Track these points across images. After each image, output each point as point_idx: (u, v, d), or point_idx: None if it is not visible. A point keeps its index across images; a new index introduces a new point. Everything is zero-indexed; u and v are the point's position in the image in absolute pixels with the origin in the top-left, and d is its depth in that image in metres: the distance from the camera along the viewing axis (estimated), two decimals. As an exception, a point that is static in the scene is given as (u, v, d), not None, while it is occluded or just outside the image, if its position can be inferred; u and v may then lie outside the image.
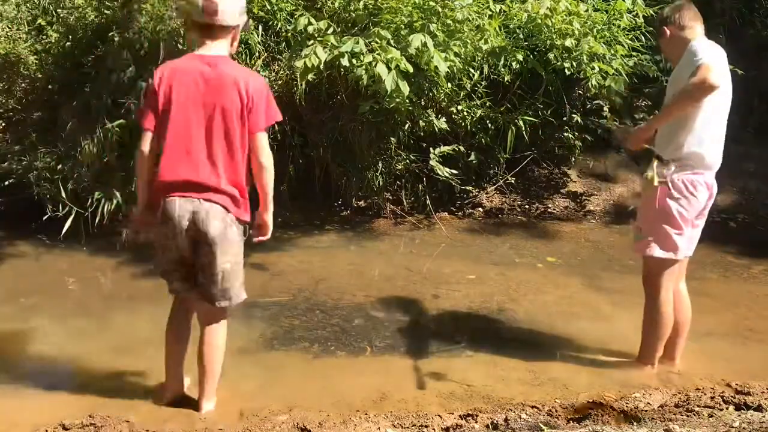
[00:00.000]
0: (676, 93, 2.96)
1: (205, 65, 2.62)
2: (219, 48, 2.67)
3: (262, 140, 2.78)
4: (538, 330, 3.84)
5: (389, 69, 4.55)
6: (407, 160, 6.05)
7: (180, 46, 5.36)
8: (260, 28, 5.85)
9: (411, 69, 4.63)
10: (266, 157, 2.86)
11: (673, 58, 3.22)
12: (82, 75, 5.53)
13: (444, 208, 6.13)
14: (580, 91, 6.28)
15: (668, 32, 3.12)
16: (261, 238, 3.01)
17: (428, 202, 5.87)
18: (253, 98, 2.64)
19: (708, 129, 3.01)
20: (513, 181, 6.38)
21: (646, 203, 3.19)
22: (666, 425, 2.44)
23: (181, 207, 2.64)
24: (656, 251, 3.10)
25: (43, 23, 5.64)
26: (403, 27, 5.03)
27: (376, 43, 4.71)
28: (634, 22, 5.69)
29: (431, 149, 5.92)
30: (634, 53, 5.73)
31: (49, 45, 5.61)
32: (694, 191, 3.03)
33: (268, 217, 3.01)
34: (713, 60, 2.86)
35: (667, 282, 3.16)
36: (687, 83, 2.85)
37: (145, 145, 2.68)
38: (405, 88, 4.63)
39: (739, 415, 2.61)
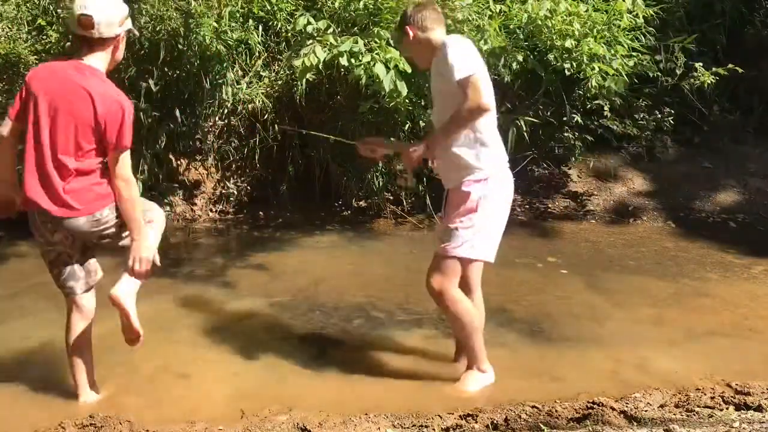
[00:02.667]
0: (446, 104, 2.90)
1: (76, 72, 2.62)
2: (95, 60, 2.65)
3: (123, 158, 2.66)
4: (538, 330, 3.84)
5: (388, 69, 4.55)
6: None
7: (180, 46, 5.37)
8: (260, 28, 5.86)
9: (410, 69, 4.63)
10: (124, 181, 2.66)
11: (418, 59, 3.13)
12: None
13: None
14: (580, 92, 6.28)
15: (411, 33, 2.98)
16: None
17: (428, 202, 5.87)
18: (105, 119, 2.58)
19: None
20: (513, 181, 6.37)
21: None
22: (666, 425, 2.44)
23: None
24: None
25: (43, 23, 5.64)
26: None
27: (375, 42, 4.72)
28: (634, 22, 5.69)
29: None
30: (634, 53, 5.73)
31: (49, 45, 5.61)
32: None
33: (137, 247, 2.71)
34: (477, 69, 2.77)
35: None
36: (461, 106, 2.76)
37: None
38: (403, 89, 4.63)
39: (739, 415, 2.61)
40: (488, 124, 2.92)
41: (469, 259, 2.96)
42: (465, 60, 2.78)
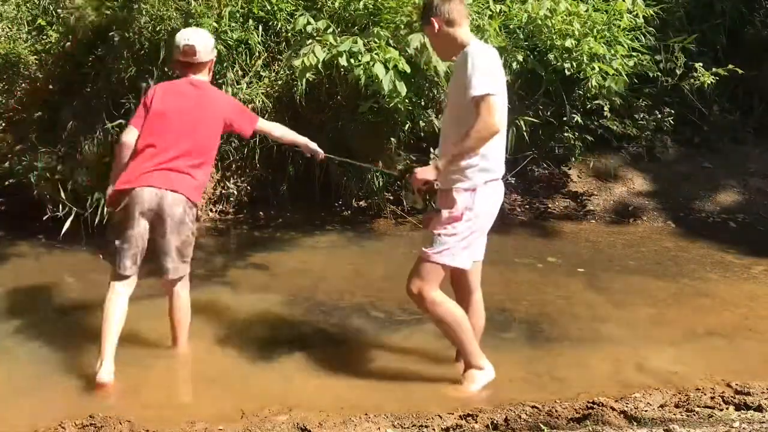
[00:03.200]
0: (454, 111, 2.91)
1: (191, 86, 3.34)
2: (201, 76, 3.38)
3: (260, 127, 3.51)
4: (538, 330, 3.84)
5: (387, 69, 4.55)
6: (407, 160, 6.04)
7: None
8: (260, 28, 5.86)
9: (409, 69, 4.62)
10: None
11: (439, 53, 3.11)
12: (82, 75, 5.53)
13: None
14: (580, 91, 6.28)
15: (436, 25, 2.91)
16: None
17: (433, 204, 5.85)
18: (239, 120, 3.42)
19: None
20: (513, 181, 6.38)
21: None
22: (666, 425, 2.43)
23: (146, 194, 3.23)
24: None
25: (43, 23, 5.64)
26: (402, 27, 5.03)
27: (375, 43, 4.72)
28: (634, 22, 5.69)
29: (431, 149, 5.92)
30: (634, 53, 5.73)
31: (49, 45, 5.61)
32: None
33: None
34: (496, 88, 2.75)
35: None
36: (472, 128, 2.73)
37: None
38: (402, 89, 4.63)
39: (739, 415, 2.61)
40: (495, 139, 2.89)
41: (447, 266, 2.95)
42: (485, 76, 2.74)
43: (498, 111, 2.75)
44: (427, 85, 5.51)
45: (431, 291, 2.94)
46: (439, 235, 2.91)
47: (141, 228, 3.16)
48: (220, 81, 5.67)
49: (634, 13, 5.70)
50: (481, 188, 2.89)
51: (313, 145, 3.60)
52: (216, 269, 4.88)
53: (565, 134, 6.43)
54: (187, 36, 3.31)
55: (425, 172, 2.89)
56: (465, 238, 2.91)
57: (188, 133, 3.22)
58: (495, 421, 2.62)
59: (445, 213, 2.89)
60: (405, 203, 2.93)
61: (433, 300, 2.94)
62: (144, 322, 3.67)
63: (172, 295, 3.34)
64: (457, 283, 3.14)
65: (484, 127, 2.73)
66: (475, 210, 2.90)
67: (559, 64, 5.58)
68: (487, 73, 2.75)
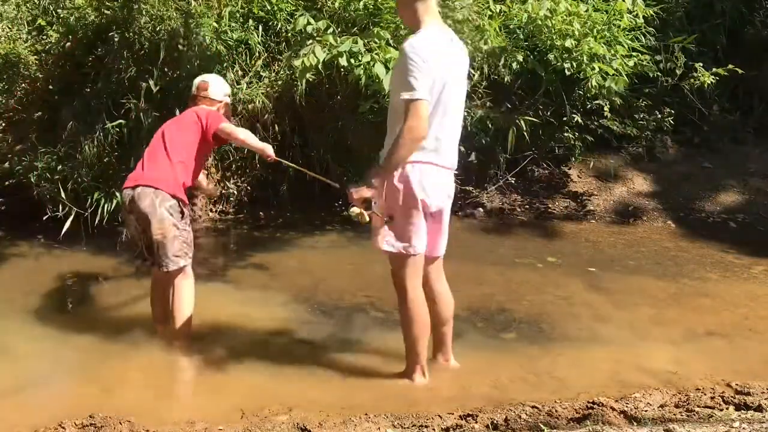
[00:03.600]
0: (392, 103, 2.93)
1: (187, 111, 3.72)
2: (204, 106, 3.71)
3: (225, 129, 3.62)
4: (538, 330, 3.84)
5: (387, 69, 4.55)
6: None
7: (180, 47, 5.36)
8: (260, 28, 5.86)
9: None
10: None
11: (403, 19, 3.14)
12: (82, 75, 5.53)
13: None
14: (580, 92, 6.28)
15: None
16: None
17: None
18: (203, 114, 3.62)
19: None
20: (513, 181, 6.38)
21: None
22: (666, 425, 2.43)
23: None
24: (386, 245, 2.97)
25: (43, 23, 5.64)
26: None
27: (375, 43, 4.72)
28: (634, 22, 5.69)
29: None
30: (634, 53, 5.73)
31: (49, 45, 5.61)
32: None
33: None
34: (424, 90, 2.72)
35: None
36: (398, 135, 2.76)
37: None
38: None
39: (739, 415, 2.61)
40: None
41: (400, 253, 2.95)
42: (414, 78, 2.71)
43: (424, 116, 2.73)
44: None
45: (406, 285, 2.98)
46: (378, 225, 2.95)
47: (131, 227, 3.52)
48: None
49: (634, 13, 5.70)
50: (407, 169, 2.85)
51: (269, 151, 3.75)
52: (216, 269, 4.88)
53: (565, 134, 6.43)
54: (202, 76, 3.85)
55: (361, 192, 2.94)
56: (396, 226, 2.90)
57: (167, 136, 3.56)
58: (495, 421, 2.62)
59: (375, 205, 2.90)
60: (352, 217, 2.95)
61: (405, 296, 2.99)
62: (144, 323, 3.67)
63: (172, 287, 3.49)
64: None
65: (409, 133, 2.74)
66: (402, 191, 2.86)
67: (559, 64, 5.58)
68: (417, 74, 2.72)
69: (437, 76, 2.79)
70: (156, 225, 3.35)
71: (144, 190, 3.38)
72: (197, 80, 3.82)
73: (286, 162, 4.18)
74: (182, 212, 3.46)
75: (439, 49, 2.85)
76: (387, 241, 2.94)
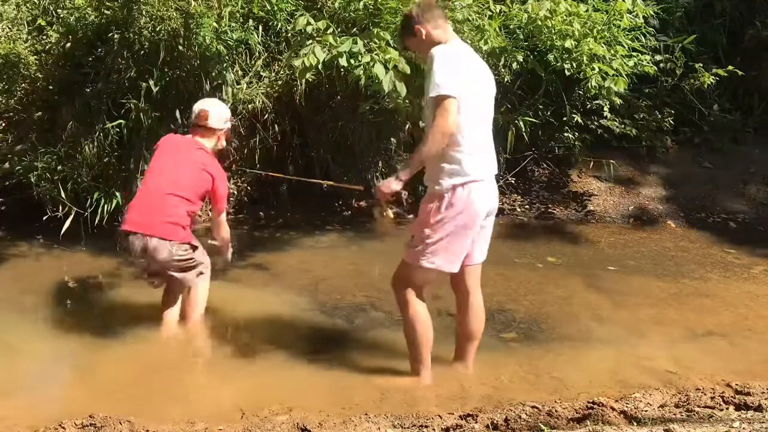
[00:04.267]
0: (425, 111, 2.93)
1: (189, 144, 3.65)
2: (206, 143, 3.66)
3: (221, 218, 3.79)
4: (538, 330, 3.84)
5: (387, 69, 4.55)
6: (407, 160, 6.04)
7: (180, 47, 5.36)
8: (260, 28, 5.85)
9: (408, 70, 4.63)
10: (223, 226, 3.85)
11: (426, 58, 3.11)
12: (82, 75, 5.53)
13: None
14: (580, 92, 6.28)
15: (423, 31, 2.95)
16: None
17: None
18: (214, 179, 3.60)
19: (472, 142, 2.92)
20: (513, 182, 6.38)
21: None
22: (666, 425, 2.43)
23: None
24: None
25: (43, 23, 5.63)
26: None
27: (375, 43, 4.71)
28: (634, 22, 5.69)
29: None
30: (634, 53, 5.73)
31: (49, 45, 5.61)
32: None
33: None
34: (453, 87, 2.74)
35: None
36: (428, 132, 2.77)
37: None
38: (402, 89, 4.62)
39: (739, 415, 2.61)
40: (462, 140, 2.86)
41: (426, 269, 2.96)
42: (442, 77, 2.76)
43: (452, 112, 2.75)
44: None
45: (406, 289, 3.01)
46: (413, 237, 2.95)
47: (140, 265, 3.61)
48: (220, 81, 5.67)
49: (634, 13, 5.70)
50: (450, 192, 2.87)
51: (227, 254, 3.92)
52: (216, 269, 4.87)
53: (565, 134, 6.43)
54: (203, 103, 3.74)
55: (389, 185, 2.92)
56: (437, 242, 2.90)
57: (173, 174, 3.52)
58: (495, 421, 2.62)
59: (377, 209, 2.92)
60: (375, 216, 2.97)
61: (406, 300, 3.02)
62: (144, 323, 3.67)
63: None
64: (454, 284, 3.16)
65: (437, 129, 2.75)
66: (444, 214, 2.88)
67: (559, 64, 5.58)
68: (445, 75, 2.76)
69: (469, 81, 2.85)
70: (175, 267, 3.48)
71: (160, 244, 3.40)
72: (197, 107, 3.71)
73: (304, 179, 4.29)
74: (195, 248, 3.59)
75: (468, 58, 2.94)
76: (418, 255, 2.94)
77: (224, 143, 3.79)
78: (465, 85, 2.81)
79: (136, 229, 3.41)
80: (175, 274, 3.50)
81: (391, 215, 2.89)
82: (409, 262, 2.99)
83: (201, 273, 3.63)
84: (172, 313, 3.65)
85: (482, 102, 2.95)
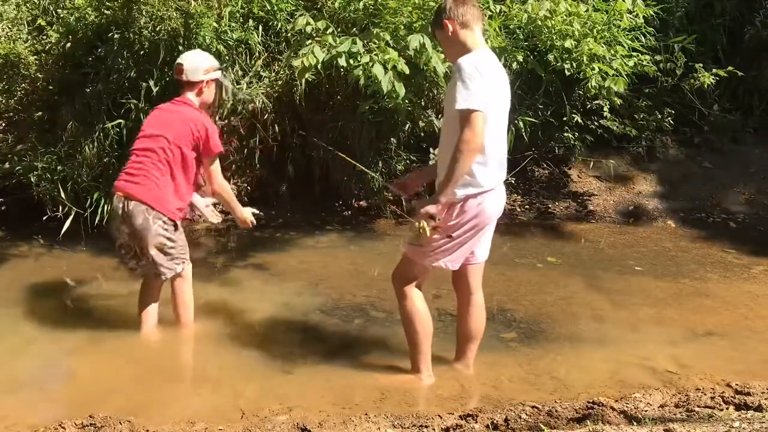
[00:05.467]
0: (446, 121, 2.93)
1: (172, 104, 3.56)
2: (188, 97, 3.54)
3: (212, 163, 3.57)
4: (538, 330, 3.84)
5: (386, 69, 4.55)
6: (407, 160, 6.04)
7: (180, 47, 5.36)
8: (260, 28, 5.86)
9: (408, 70, 4.63)
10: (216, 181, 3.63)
11: (449, 55, 3.04)
12: (82, 75, 5.53)
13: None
14: (580, 92, 6.28)
15: (450, 27, 2.86)
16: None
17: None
18: (201, 132, 3.45)
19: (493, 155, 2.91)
20: (513, 182, 6.37)
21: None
22: (666, 425, 2.43)
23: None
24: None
25: (43, 23, 5.64)
26: (402, 28, 5.03)
27: (374, 43, 4.71)
28: (634, 22, 5.68)
29: (431, 149, 5.91)
30: (634, 53, 5.73)
31: (49, 45, 5.61)
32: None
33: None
34: (479, 101, 2.70)
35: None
36: (456, 146, 2.71)
37: None
38: (401, 90, 4.62)
39: (739, 415, 2.61)
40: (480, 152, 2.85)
41: (430, 266, 2.97)
42: (469, 90, 2.70)
43: (479, 126, 2.71)
44: (426, 85, 5.50)
45: (406, 285, 3.01)
46: (429, 243, 2.92)
47: (123, 236, 3.54)
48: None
49: (634, 13, 5.69)
50: (463, 201, 2.87)
51: (241, 215, 3.92)
52: (216, 269, 4.88)
53: (565, 134, 6.43)
54: (183, 56, 3.60)
55: (429, 211, 2.81)
56: (447, 245, 2.91)
57: (159, 141, 3.43)
58: (495, 421, 2.62)
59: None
60: (410, 235, 2.93)
61: (405, 294, 3.02)
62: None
63: (173, 292, 3.63)
64: (456, 283, 3.16)
65: (468, 145, 2.71)
66: (456, 221, 2.88)
67: (559, 64, 5.57)
68: (473, 87, 2.70)
69: (494, 93, 2.82)
70: (151, 242, 3.39)
71: (136, 208, 3.36)
72: (177, 61, 3.58)
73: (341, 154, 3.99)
74: (175, 225, 3.49)
75: (494, 70, 2.89)
76: (424, 254, 2.94)
77: (212, 95, 3.63)
78: (490, 98, 2.78)
79: (119, 187, 3.43)
80: (151, 252, 3.40)
81: (428, 234, 2.84)
82: (414, 260, 2.98)
83: (178, 274, 3.54)
84: (152, 314, 3.61)
85: (502, 114, 2.93)
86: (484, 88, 2.73)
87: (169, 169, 3.43)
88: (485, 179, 2.88)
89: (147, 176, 3.41)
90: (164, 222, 3.42)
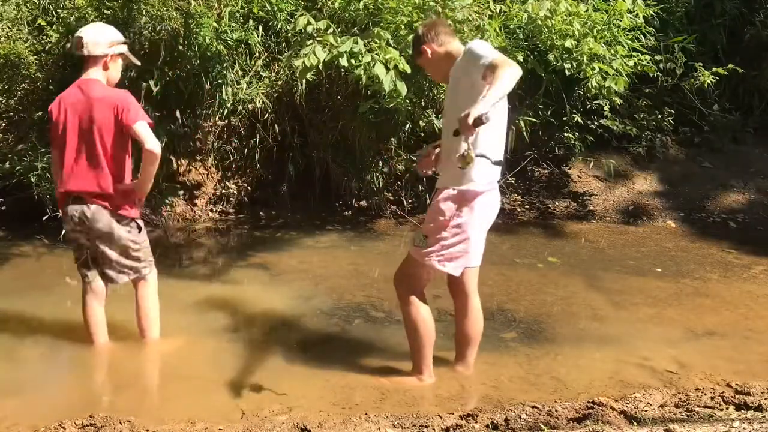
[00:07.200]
0: (461, 104, 2.73)
1: (78, 89, 3.22)
2: (93, 74, 3.24)
3: (142, 129, 3.16)
4: (538, 330, 3.83)
5: (387, 69, 4.55)
6: (407, 160, 6.05)
7: (180, 47, 5.37)
8: (260, 28, 5.86)
9: (409, 69, 4.63)
10: (150, 143, 3.16)
11: (436, 74, 3.16)
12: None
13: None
14: (580, 92, 6.29)
15: (429, 51, 3.00)
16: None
17: (429, 202, 5.87)
18: (119, 107, 3.16)
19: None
20: (513, 181, 6.38)
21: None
22: (666, 425, 2.43)
23: (72, 210, 3.25)
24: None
25: (43, 23, 5.64)
26: (402, 27, 5.03)
27: (375, 43, 4.72)
28: (634, 22, 5.69)
29: (425, 144, 5.92)
30: (634, 53, 5.74)
31: (49, 45, 5.62)
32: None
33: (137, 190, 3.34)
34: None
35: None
36: (500, 69, 2.62)
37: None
38: (403, 89, 4.63)
39: (739, 415, 2.61)
40: (486, 142, 2.86)
41: (432, 269, 2.97)
42: (493, 52, 2.79)
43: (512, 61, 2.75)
44: (427, 85, 5.51)
45: (409, 289, 3.03)
46: (426, 236, 2.94)
47: (79, 238, 3.35)
48: (221, 81, 5.67)
49: (634, 13, 5.70)
50: (468, 198, 2.88)
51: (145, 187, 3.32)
52: (216, 269, 4.88)
53: (565, 134, 6.43)
54: (82, 29, 3.29)
55: (472, 115, 2.58)
56: (452, 246, 2.91)
57: (97, 132, 3.16)
58: (495, 421, 2.62)
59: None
60: (414, 236, 2.91)
61: (408, 299, 3.03)
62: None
63: (137, 297, 3.45)
64: (452, 287, 3.16)
65: (509, 66, 2.63)
66: (463, 218, 2.89)
67: (559, 64, 5.58)
68: (492, 50, 2.82)
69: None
70: (116, 246, 3.25)
71: (98, 212, 3.19)
72: (76, 35, 3.27)
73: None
74: (139, 228, 3.34)
75: None
76: (431, 255, 2.93)
77: (118, 71, 3.33)
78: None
79: (71, 187, 3.21)
80: (115, 257, 3.24)
81: (473, 155, 2.72)
82: (419, 261, 2.98)
83: (141, 277, 3.38)
84: (100, 315, 3.41)
85: (502, 114, 2.94)
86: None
87: (117, 160, 3.23)
88: (486, 176, 2.90)
89: (98, 171, 3.19)
90: (128, 225, 3.29)
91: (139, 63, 3.59)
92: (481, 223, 2.96)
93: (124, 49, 3.33)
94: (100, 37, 3.22)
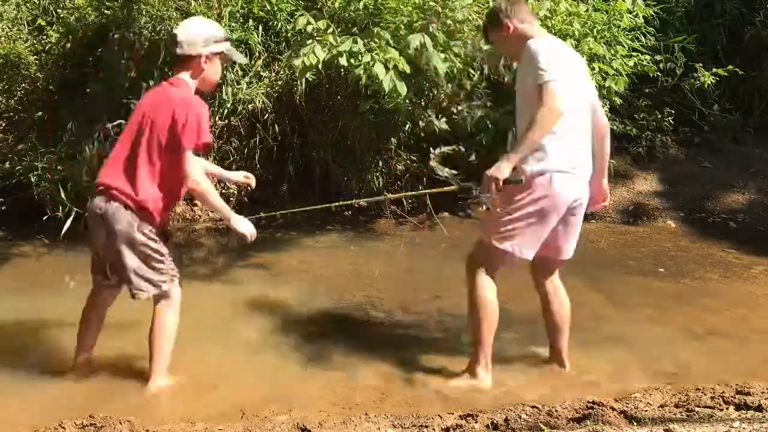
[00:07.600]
0: (523, 103, 2.94)
1: (161, 86, 3.03)
2: (180, 73, 2.96)
3: (185, 158, 2.87)
4: (538, 330, 3.83)
5: (387, 69, 4.55)
6: (407, 160, 6.04)
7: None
8: (260, 28, 5.86)
9: (408, 69, 4.63)
10: (190, 181, 2.90)
11: (512, 54, 3.16)
12: (82, 75, 5.54)
13: (445, 208, 6.13)
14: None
15: (511, 26, 3.00)
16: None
17: (428, 202, 5.88)
18: (179, 119, 2.82)
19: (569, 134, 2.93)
20: (513, 181, 6.37)
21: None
22: (666, 425, 2.43)
23: (93, 203, 3.09)
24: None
25: (43, 23, 5.65)
26: (402, 27, 5.03)
27: (375, 43, 4.72)
28: (634, 22, 5.69)
29: (431, 149, 5.92)
30: (634, 53, 5.74)
31: (49, 45, 5.62)
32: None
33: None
34: (555, 73, 2.77)
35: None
36: (534, 113, 2.75)
37: None
38: (402, 89, 4.63)
39: (739, 415, 2.61)
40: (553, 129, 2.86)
41: (500, 249, 2.96)
42: (548, 64, 2.79)
43: (557, 96, 2.76)
44: (427, 85, 5.51)
45: (479, 272, 3.03)
46: (493, 218, 2.96)
47: (99, 240, 3.08)
48: (220, 81, 5.68)
49: (634, 13, 5.70)
50: (532, 178, 2.87)
51: (236, 224, 3.03)
52: (216, 269, 4.88)
53: (565, 134, 6.43)
54: (180, 24, 3.05)
55: (500, 171, 2.82)
56: (513, 222, 2.92)
57: (146, 135, 2.87)
58: (495, 421, 2.61)
59: (486, 197, 2.87)
60: (472, 213, 2.90)
61: (476, 282, 3.03)
62: (145, 322, 3.67)
63: (154, 315, 3.08)
64: (541, 280, 3.26)
65: (548, 111, 2.74)
66: (523, 196, 2.89)
67: (559, 64, 5.58)
68: (546, 62, 2.80)
69: (565, 73, 2.85)
70: (136, 252, 2.93)
71: (120, 212, 2.90)
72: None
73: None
74: (165, 235, 3.05)
75: (566, 53, 3.01)
76: (499, 238, 2.95)
77: (215, 71, 3.00)
78: (562, 76, 2.82)
79: (102, 181, 2.99)
80: (134, 265, 2.92)
81: (481, 210, 2.81)
82: (484, 240, 3.00)
83: (163, 295, 3.01)
84: (90, 338, 3.16)
85: (576, 96, 2.94)
86: (555, 63, 2.81)
87: (157, 165, 2.91)
88: (557, 158, 2.88)
89: (134, 172, 2.93)
90: (149, 231, 2.96)
91: (244, 60, 3.46)
92: (545, 205, 2.90)
93: (222, 47, 2.97)
94: (197, 35, 2.91)
